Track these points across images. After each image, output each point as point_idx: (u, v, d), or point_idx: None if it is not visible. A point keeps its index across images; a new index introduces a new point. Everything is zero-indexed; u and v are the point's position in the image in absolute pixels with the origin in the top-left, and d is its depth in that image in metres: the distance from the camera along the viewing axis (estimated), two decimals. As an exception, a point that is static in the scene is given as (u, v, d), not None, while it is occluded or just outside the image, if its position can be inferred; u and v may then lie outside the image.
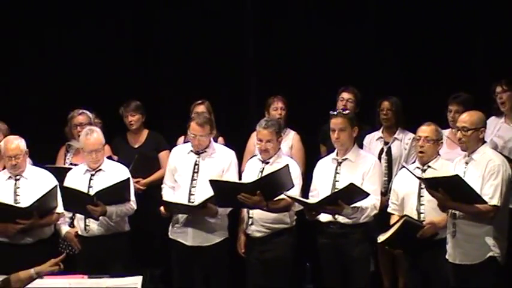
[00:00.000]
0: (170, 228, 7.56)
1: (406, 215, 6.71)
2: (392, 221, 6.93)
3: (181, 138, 8.25)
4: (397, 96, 8.22)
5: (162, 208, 7.44)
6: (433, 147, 6.84)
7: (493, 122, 7.55)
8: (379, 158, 7.95)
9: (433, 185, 6.36)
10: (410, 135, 7.85)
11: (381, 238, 6.82)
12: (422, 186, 6.68)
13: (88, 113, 8.26)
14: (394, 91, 8.37)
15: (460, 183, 6.24)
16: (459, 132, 6.52)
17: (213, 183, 7.10)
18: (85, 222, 7.44)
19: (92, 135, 7.51)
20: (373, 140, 8.20)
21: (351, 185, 6.84)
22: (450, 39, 8.89)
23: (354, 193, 6.90)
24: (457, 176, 6.30)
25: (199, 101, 8.19)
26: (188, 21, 9.60)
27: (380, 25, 9.20)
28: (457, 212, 6.36)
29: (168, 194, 7.54)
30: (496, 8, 8.70)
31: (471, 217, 6.30)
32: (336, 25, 9.23)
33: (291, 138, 8.26)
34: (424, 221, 6.70)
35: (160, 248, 7.86)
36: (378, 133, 8.25)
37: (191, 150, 7.51)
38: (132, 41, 9.83)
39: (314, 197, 7.23)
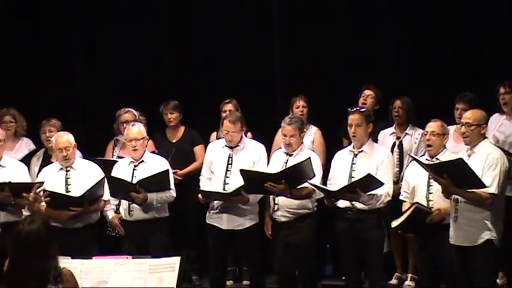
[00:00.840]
0: (207, 214, 7.68)
1: (416, 202, 6.79)
2: (404, 208, 7.02)
3: (214, 134, 8.34)
4: (410, 95, 8.23)
5: (200, 196, 7.60)
6: (439, 141, 6.92)
7: (496, 118, 7.67)
8: (392, 151, 7.99)
9: (438, 170, 6.51)
10: (420, 131, 7.84)
11: (394, 224, 6.92)
12: (430, 180, 6.78)
13: (133, 111, 8.39)
14: (407, 90, 8.41)
15: (463, 167, 6.40)
16: (463, 127, 6.70)
17: (243, 172, 7.25)
18: (129, 208, 7.56)
19: (134, 127, 7.74)
20: (387, 135, 8.23)
21: (369, 175, 6.95)
22: (459, 42, 8.87)
23: (370, 182, 6.98)
24: (460, 159, 6.48)
25: (227, 100, 8.24)
26: (220, 28, 9.66)
27: (397, 29, 9.20)
28: (459, 198, 6.52)
29: (205, 184, 7.67)
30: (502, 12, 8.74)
31: (471, 203, 6.48)
32: (356, 29, 9.23)
33: (312, 133, 8.25)
34: (432, 207, 6.77)
35: (195, 232, 7.90)
36: (391, 129, 8.28)
37: (225, 145, 7.64)
38: (172, 46, 9.83)
39: (332, 185, 7.32)
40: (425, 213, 6.80)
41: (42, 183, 7.38)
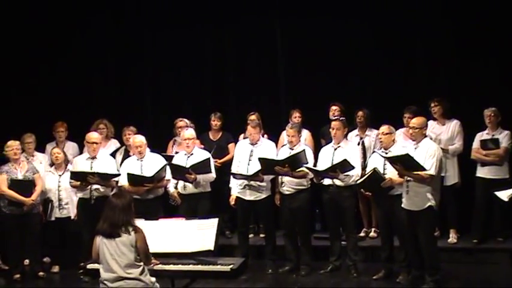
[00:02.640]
0: (237, 189, 7.53)
1: (375, 168, 6.73)
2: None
3: (242, 135, 8.18)
4: (368, 107, 8.10)
5: (232, 176, 7.56)
6: (388, 138, 6.85)
7: (430, 123, 7.53)
8: None
9: (393, 161, 6.47)
10: (376, 132, 7.57)
11: (359, 181, 6.92)
12: (386, 163, 6.71)
13: (186, 120, 8.27)
14: (366, 103, 8.20)
15: (409, 158, 6.36)
16: (411, 129, 6.66)
17: (260, 160, 7.20)
18: (184, 185, 7.53)
19: (188, 130, 7.73)
20: (353, 136, 7.98)
21: (345, 160, 6.92)
22: (406, 69, 8.58)
23: (345, 165, 6.92)
24: (407, 154, 6.41)
25: (252, 112, 8.11)
26: (247, 57, 9.43)
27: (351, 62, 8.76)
28: (409, 178, 6.46)
29: (235, 168, 7.56)
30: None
31: (417, 181, 6.41)
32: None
33: (305, 134, 8.00)
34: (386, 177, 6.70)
35: (227, 202, 7.67)
36: (356, 131, 8.07)
37: (249, 143, 7.58)
38: (211, 72, 9.60)
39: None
40: (380, 177, 6.71)
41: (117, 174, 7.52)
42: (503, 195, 6.27)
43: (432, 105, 7.76)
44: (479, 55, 8.14)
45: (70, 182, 7.65)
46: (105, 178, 7.42)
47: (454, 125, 7.78)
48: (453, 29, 8.36)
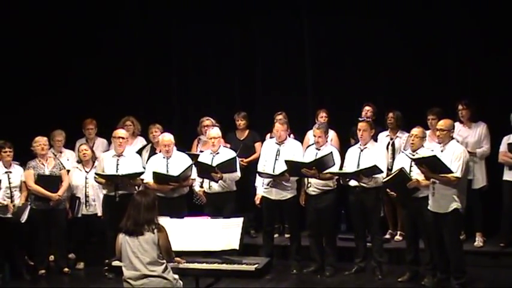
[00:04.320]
0: (262, 188, 7.46)
1: (402, 167, 6.66)
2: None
3: (268, 135, 8.12)
4: (399, 109, 7.96)
5: (257, 175, 7.49)
6: (419, 141, 6.79)
7: (456, 126, 7.33)
8: (387, 148, 7.74)
9: (420, 163, 6.39)
10: (406, 134, 7.56)
11: (385, 179, 6.85)
12: (412, 164, 6.64)
13: (211, 119, 8.23)
14: (397, 106, 8.05)
15: (436, 160, 6.28)
16: (438, 131, 6.57)
17: (287, 162, 7.15)
18: (209, 183, 7.48)
19: (214, 129, 7.70)
20: (383, 137, 7.86)
21: (374, 166, 6.86)
22: (431, 72, 8.38)
23: (374, 170, 6.89)
24: (434, 155, 6.34)
25: (279, 112, 8.05)
26: (275, 60, 9.31)
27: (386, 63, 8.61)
28: (436, 180, 6.38)
29: (261, 167, 7.48)
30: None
31: (443, 183, 6.32)
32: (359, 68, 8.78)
33: (331, 135, 7.93)
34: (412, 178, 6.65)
35: (253, 201, 7.60)
36: (386, 132, 7.93)
37: (275, 142, 7.51)
38: (239, 73, 9.52)
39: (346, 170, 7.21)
40: (406, 177, 6.65)
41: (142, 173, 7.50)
42: None
43: (460, 107, 7.66)
44: (506, 57, 7.99)
45: (95, 178, 7.67)
46: (131, 177, 7.44)
47: (481, 128, 7.67)
48: (481, 30, 8.18)
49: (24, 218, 7.55)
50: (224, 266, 5.24)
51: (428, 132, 7.28)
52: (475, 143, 7.59)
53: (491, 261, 7.48)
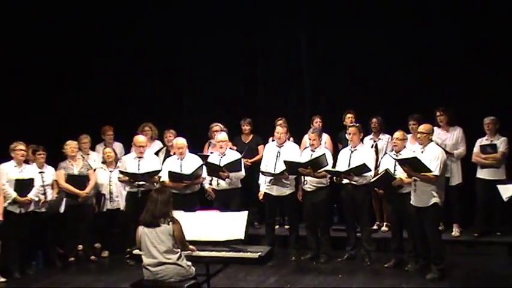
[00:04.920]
0: (265, 186, 7.49)
1: (387, 168, 6.68)
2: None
3: (271, 138, 8.09)
4: (381, 114, 8.00)
5: (260, 174, 7.51)
6: (401, 143, 6.83)
7: (436, 129, 7.47)
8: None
9: (403, 162, 6.42)
10: (388, 136, 7.66)
11: (372, 180, 6.87)
12: (396, 164, 6.64)
13: (220, 124, 8.23)
14: (379, 111, 8.09)
15: (417, 161, 6.30)
16: (418, 134, 6.59)
17: (286, 162, 7.17)
18: (217, 181, 7.50)
19: (221, 134, 7.71)
20: (368, 139, 7.86)
21: (363, 164, 6.89)
22: (413, 80, 8.40)
23: (363, 168, 6.91)
24: (415, 157, 6.36)
25: (279, 118, 8.04)
26: (275, 75, 9.29)
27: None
28: (417, 178, 6.39)
29: (264, 167, 7.49)
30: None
31: (424, 181, 6.34)
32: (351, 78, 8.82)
33: (325, 138, 7.98)
34: (396, 177, 6.63)
35: (256, 197, 7.64)
36: (370, 135, 7.95)
37: (276, 145, 7.52)
38: (243, 79, 9.49)
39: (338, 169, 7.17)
40: (391, 177, 6.66)
41: (159, 171, 7.49)
42: (504, 192, 6.15)
43: (438, 114, 7.69)
44: (480, 69, 8.01)
45: (118, 178, 7.71)
46: (150, 175, 7.45)
47: (457, 132, 7.70)
48: (459, 44, 8.23)
49: (62, 208, 7.61)
50: (231, 254, 5.26)
51: (409, 135, 7.30)
52: (453, 145, 7.61)
53: (467, 249, 7.52)
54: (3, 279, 7.00)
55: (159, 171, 7.51)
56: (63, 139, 7.85)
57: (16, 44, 8.53)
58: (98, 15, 9.16)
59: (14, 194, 7.14)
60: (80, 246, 7.96)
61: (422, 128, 6.63)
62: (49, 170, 7.63)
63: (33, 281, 7.08)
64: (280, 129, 7.54)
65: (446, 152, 6.99)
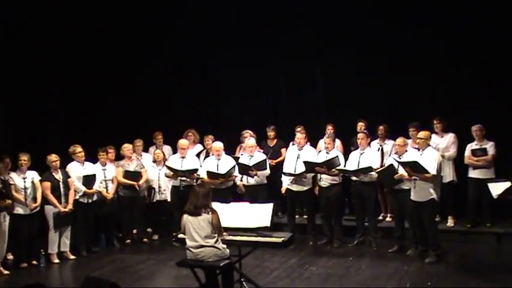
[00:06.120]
0: (287, 182, 7.38)
1: (392, 164, 6.57)
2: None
3: (292, 143, 7.88)
4: (386, 122, 7.80)
5: (283, 174, 7.42)
6: (402, 148, 6.63)
7: (433, 135, 7.16)
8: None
9: (404, 165, 6.29)
10: (392, 142, 7.40)
11: (378, 170, 6.74)
12: (399, 166, 6.44)
13: (250, 131, 8.15)
14: (384, 119, 7.89)
15: (417, 164, 6.14)
16: (418, 140, 6.50)
17: (305, 162, 7.09)
18: (247, 178, 7.45)
19: (251, 139, 7.67)
20: (374, 144, 7.62)
21: (370, 167, 6.83)
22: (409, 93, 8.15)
23: (369, 169, 6.84)
24: (416, 161, 6.18)
25: (299, 126, 7.82)
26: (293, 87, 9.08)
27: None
28: (416, 177, 6.22)
29: (286, 169, 7.37)
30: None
31: (422, 179, 6.18)
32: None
33: (337, 142, 7.77)
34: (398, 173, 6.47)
35: (280, 191, 7.50)
36: (377, 140, 7.68)
37: (296, 148, 7.42)
38: (270, 95, 9.33)
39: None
40: (394, 171, 6.52)
41: (197, 169, 7.44)
42: (494, 189, 5.92)
43: (435, 122, 7.50)
44: (470, 83, 7.77)
45: (165, 174, 7.70)
46: (190, 172, 7.43)
47: (450, 137, 7.47)
48: (452, 60, 7.96)
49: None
50: (259, 239, 5.22)
51: (409, 141, 7.15)
52: (444, 148, 7.38)
53: (460, 237, 7.29)
54: (73, 257, 7.09)
55: (197, 169, 7.49)
56: (122, 142, 7.87)
57: (84, 64, 8.51)
58: (140, 33, 8.91)
59: (83, 188, 7.21)
60: (135, 231, 7.96)
61: (421, 134, 6.48)
62: (110, 167, 7.67)
63: (97, 258, 7.14)
64: (299, 135, 7.44)
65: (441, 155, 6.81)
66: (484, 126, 7.29)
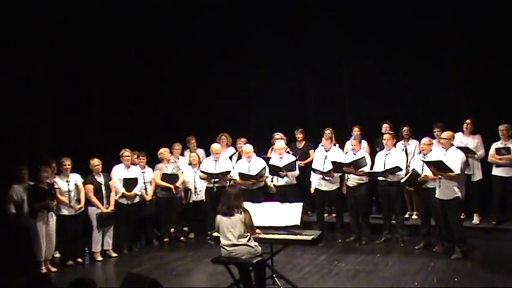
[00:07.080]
0: (316, 182, 7.42)
1: (413, 168, 6.53)
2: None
3: (320, 144, 7.74)
4: (410, 124, 7.73)
5: (312, 171, 7.42)
6: (427, 148, 6.58)
7: (459, 135, 7.26)
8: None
9: (430, 164, 6.28)
10: (416, 142, 7.39)
11: (402, 181, 6.70)
12: (424, 165, 6.44)
13: (280, 134, 8.16)
14: (409, 121, 7.82)
15: (441, 163, 6.15)
16: (442, 140, 6.45)
17: (333, 162, 7.12)
18: (277, 179, 7.48)
19: (280, 142, 7.73)
20: (399, 144, 7.55)
21: (397, 166, 6.81)
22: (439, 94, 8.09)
23: (396, 169, 6.83)
24: (440, 160, 6.19)
25: (327, 128, 7.75)
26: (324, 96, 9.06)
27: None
28: (441, 176, 6.22)
29: (315, 166, 7.39)
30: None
31: (447, 178, 6.18)
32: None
33: (364, 144, 7.73)
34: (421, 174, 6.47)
35: (309, 191, 7.54)
36: (402, 141, 7.62)
37: (324, 150, 7.44)
38: (298, 99, 9.29)
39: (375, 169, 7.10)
40: (417, 175, 6.50)
41: (229, 171, 7.49)
42: None
43: (468, 121, 7.37)
44: (495, 85, 7.68)
45: (199, 176, 7.78)
46: (223, 174, 7.52)
47: (478, 138, 7.41)
48: (478, 62, 7.87)
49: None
50: (289, 236, 5.23)
51: (434, 141, 7.11)
52: (474, 148, 7.30)
53: (486, 234, 7.22)
54: (115, 254, 7.25)
55: (230, 171, 7.56)
56: (160, 146, 7.98)
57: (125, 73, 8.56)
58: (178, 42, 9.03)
59: (122, 190, 7.34)
60: (172, 230, 8.05)
61: (445, 135, 6.47)
62: (148, 170, 7.75)
63: (137, 256, 7.25)
64: (325, 142, 7.45)
65: (470, 151, 6.82)
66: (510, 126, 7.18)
